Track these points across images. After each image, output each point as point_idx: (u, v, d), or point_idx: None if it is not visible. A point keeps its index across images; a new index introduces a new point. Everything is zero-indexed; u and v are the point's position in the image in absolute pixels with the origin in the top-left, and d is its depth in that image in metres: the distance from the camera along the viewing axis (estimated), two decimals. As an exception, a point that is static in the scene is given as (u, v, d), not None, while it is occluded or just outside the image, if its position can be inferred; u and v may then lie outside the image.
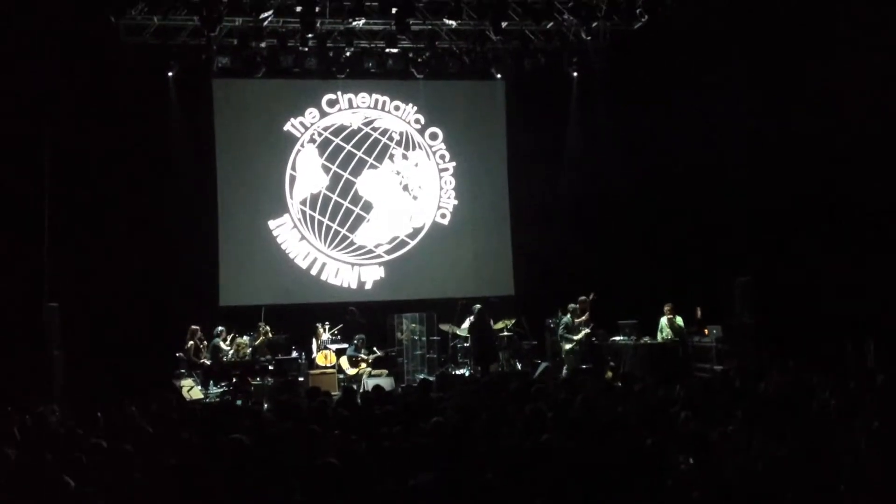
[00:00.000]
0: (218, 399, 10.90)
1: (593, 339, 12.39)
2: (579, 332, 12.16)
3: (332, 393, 8.63)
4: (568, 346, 12.14)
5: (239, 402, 9.67)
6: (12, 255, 11.20)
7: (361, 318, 13.09)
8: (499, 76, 14.60)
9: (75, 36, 11.68)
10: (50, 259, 11.71)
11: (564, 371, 11.81)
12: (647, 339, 12.36)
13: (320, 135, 14.26)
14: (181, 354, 12.10)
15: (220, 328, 12.36)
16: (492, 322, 12.44)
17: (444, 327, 13.11)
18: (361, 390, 10.21)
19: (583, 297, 12.36)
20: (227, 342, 12.24)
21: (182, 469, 4.37)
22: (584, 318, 12.27)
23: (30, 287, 11.42)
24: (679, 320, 12.27)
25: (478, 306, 12.21)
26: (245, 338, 12.29)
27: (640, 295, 12.74)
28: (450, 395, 6.76)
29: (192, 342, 12.16)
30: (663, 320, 12.30)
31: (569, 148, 14.58)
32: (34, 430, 6.36)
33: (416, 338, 13.17)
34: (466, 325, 12.53)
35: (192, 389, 11.31)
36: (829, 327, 10.38)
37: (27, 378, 10.34)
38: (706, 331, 12.42)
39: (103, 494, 4.32)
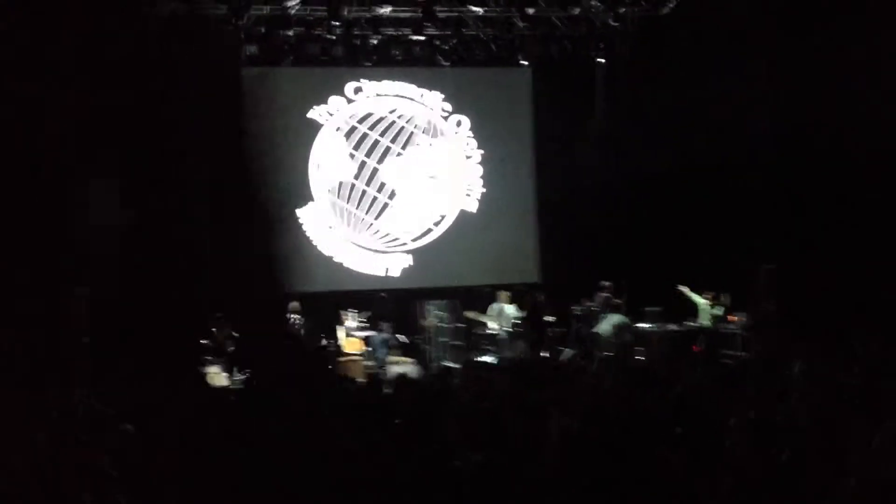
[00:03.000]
0: (243, 386, 10.93)
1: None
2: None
3: (358, 380, 8.66)
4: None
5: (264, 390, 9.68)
6: (39, 239, 11.29)
7: (389, 304, 13.06)
8: (525, 63, 14.51)
9: (104, 23, 11.74)
10: (77, 244, 11.82)
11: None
12: (673, 326, 12.33)
13: (346, 123, 14.25)
14: (207, 342, 12.15)
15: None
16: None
17: (470, 315, 13.09)
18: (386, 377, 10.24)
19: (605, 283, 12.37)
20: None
21: (207, 455, 4.40)
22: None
23: (56, 272, 11.51)
24: (717, 308, 12.23)
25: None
26: None
27: (666, 282, 12.66)
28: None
29: (217, 329, 12.22)
30: (701, 301, 12.26)
31: (595, 135, 14.47)
32: (62, 416, 6.39)
33: (441, 325, 13.17)
34: (511, 311, 12.46)
35: (217, 376, 11.38)
36: (855, 316, 10.27)
37: (54, 364, 10.44)
38: (732, 318, 12.36)
39: (131, 479, 4.35)
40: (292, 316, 12.34)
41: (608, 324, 12.09)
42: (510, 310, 12.86)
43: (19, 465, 4.56)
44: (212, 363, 11.80)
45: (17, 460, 4.63)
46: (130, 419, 5.83)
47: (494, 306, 12.94)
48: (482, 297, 13.14)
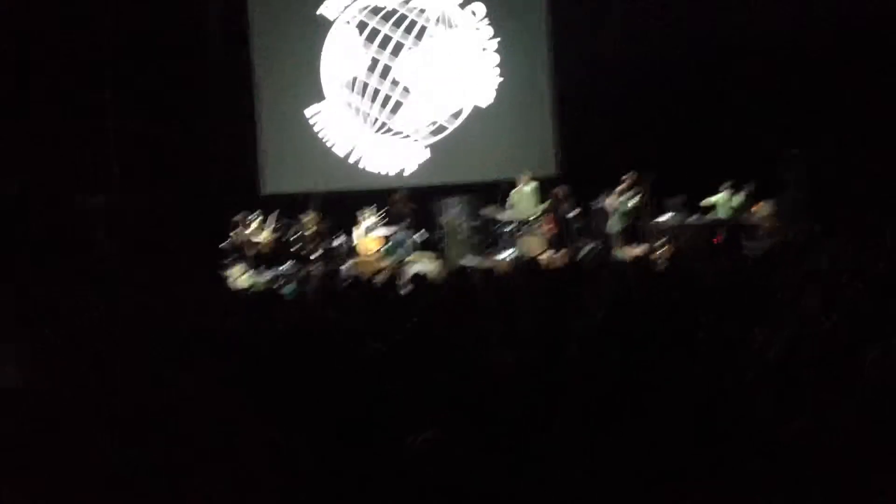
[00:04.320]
0: (265, 287, 10.98)
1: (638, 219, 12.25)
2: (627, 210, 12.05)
3: (375, 280, 8.61)
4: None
5: (286, 290, 9.71)
6: (54, 146, 11.26)
7: (406, 206, 12.93)
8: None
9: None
10: (89, 150, 11.79)
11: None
12: (695, 217, 12.19)
13: (357, 17, 13.91)
14: (227, 243, 12.17)
15: (271, 215, 12.37)
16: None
17: (486, 211, 12.98)
18: (404, 278, 10.20)
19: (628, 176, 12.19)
20: (273, 230, 12.28)
21: (225, 357, 4.38)
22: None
23: (70, 181, 11.51)
24: (736, 199, 12.05)
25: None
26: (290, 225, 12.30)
27: (690, 171, 12.46)
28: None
29: (238, 230, 12.21)
30: (717, 197, 12.10)
31: (617, 16, 14.00)
32: (86, 325, 6.39)
33: (459, 222, 13.08)
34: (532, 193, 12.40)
35: (240, 277, 11.43)
36: (886, 204, 10.10)
37: (75, 276, 10.49)
38: (758, 206, 12.18)
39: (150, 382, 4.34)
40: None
41: (624, 217, 11.98)
42: (531, 192, 12.73)
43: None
44: (233, 264, 11.86)
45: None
46: (154, 327, 5.86)
47: (514, 195, 12.80)
48: (500, 192, 12.97)
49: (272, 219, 12.46)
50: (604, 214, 12.51)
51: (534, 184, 12.79)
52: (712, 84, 12.92)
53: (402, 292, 7.14)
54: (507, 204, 12.76)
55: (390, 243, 12.54)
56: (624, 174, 12.37)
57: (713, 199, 12.26)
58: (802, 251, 7.57)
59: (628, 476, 3.05)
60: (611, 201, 12.38)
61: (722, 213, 12.08)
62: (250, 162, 13.68)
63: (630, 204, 12.16)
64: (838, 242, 7.94)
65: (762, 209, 11.98)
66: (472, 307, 5.66)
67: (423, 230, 12.85)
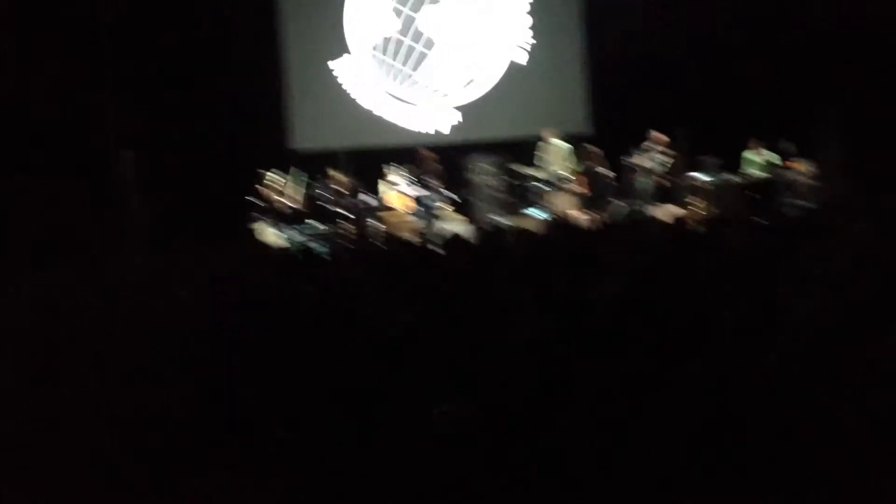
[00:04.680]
0: (294, 244, 10.98)
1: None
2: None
3: (405, 238, 8.57)
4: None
5: (316, 248, 9.70)
6: (82, 102, 11.28)
7: (435, 164, 12.82)
8: None
9: None
10: (116, 104, 11.80)
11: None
12: (731, 177, 12.03)
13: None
14: (255, 199, 12.14)
15: (296, 171, 12.33)
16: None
17: (518, 169, 12.87)
18: (433, 237, 10.15)
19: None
20: (304, 185, 12.24)
21: (256, 317, 4.36)
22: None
23: (100, 133, 11.54)
24: (767, 155, 11.86)
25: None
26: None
27: (725, 129, 12.28)
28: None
29: (266, 186, 12.19)
30: (748, 155, 11.91)
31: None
32: (114, 280, 6.43)
33: (491, 180, 13.00)
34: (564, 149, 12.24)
35: (268, 234, 11.43)
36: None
37: (104, 228, 10.56)
38: (797, 165, 11.99)
39: (177, 342, 4.33)
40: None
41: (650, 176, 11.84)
42: (563, 150, 12.56)
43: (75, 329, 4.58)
44: (261, 220, 11.85)
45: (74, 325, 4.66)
46: (184, 283, 5.85)
47: (543, 151, 12.63)
48: (532, 150, 12.85)
49: (298, 175, 12.39)
50: (637, 172, 12.38)
51: (565, 144, 12.63)
52: (749, 42, 12.70)
53: (434, 252, 7.10)
54: (537, 160, 12.64)
55: (418, 202, 12.47)
56: (653, 132, 12.21)
57: (745, 155, 12.11)
58: (842, 213, 7.40)
59: (651, 452, 3.00)
60: (638, 159, 12.24)
61: (753, 170, 11.90)
62: (279, 118, 13.61)
63: (653, 162, 11.99)
64: (877, 204, 7.76)
65: (799, 167, 11.80)
66: (504, 269, 5.59)
67: (450, 189, 12.77)
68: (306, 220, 11.86)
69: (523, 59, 14.04)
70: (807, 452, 2.89)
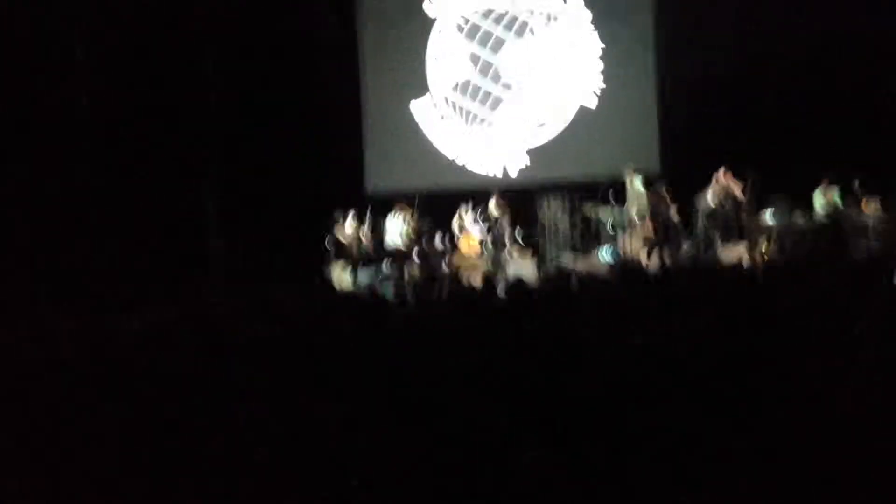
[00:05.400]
0: (361, 286, 11.15)
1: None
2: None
3: (474, 279, 8.71)
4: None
5: (388, 292, 9.88)
6: (164, 140, 11.69)
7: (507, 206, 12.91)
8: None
9: None
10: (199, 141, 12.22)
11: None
12: (799, 215, 11.90)
13: (463, 18, 14.02)
14: (328, 241, 12.39)
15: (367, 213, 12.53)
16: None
17: (588, 208, 12.93)
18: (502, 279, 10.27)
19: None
20: (371, 228, 12.42)
21: (325, 362, 4.50)
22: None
23: (183, 171, 11.93)
24: (835, 195, 11.72)
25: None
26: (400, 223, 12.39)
27: (795, 166, 12.17)
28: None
29: (337, 229, 12.43)
30: (817, 194, 11.80)
31: (725, 22, 13.74)
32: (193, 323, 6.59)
33: (559, 222, 13.09)
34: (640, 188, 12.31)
35: (341, 277, 11.64)
36: None
37: (183, 266, 10.90)
38: (864, 204, 11.80)
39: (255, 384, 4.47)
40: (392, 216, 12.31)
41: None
42: (638, 189, 12.59)
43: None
44: (334, 263, 12.07)
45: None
46: (258, 322, 6.06)
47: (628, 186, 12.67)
48: (602, 191, 12.89)
49: (369, 217, 12.59)
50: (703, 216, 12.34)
51: (640, 178, 12.65)
52: (818, 87, 12.63)
53: (500, 296, 7.22)
54: (611, 200, 12.62)
55: (488, 244, 12.60)
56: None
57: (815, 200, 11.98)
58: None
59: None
60: (707, 201, 12.18)
61: (820, 210, 11.76)
62: (356, 159, 13.90)
63: (723, 204, 11.93)
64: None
65: (869, 207, 11.61)
66: (569, 313, 5.67)
67: (520, 228, 12.87)
68: (377, 262, 12.05)
69: (593, 103, 14.13)
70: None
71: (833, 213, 11.63)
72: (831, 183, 11.88)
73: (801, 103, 12.84)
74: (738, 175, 12.01)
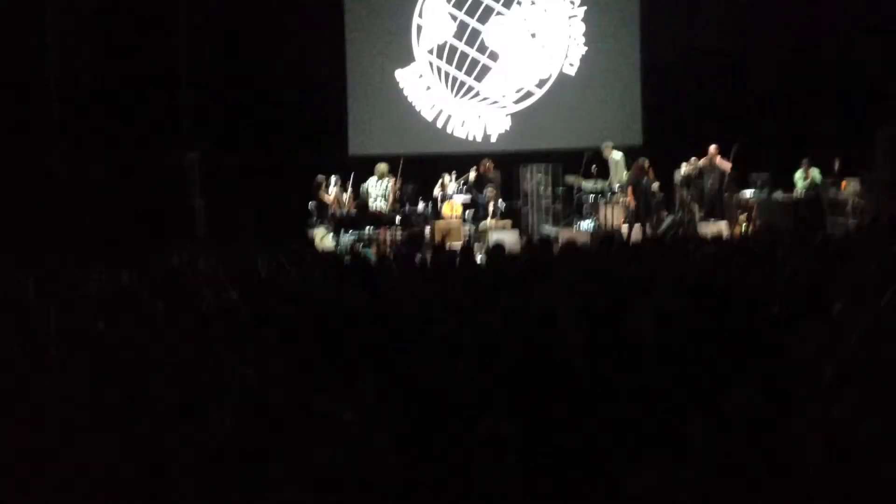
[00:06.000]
0: (348, 250, 11.15)
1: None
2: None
3: (455, 246, 8.75)
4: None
5: (369, 254, 9.89)
6: (150, 104, 11.64)
7: (494, 173, 12.93)
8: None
9: None
10: (187, 106, 12.16)
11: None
12: (780, 193, 12.01)
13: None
14: (312, 203, 12.39)
15: (349, 178, 12.52)
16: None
17: (570, 179, 12.98)
18: (483, 246, 10.31)
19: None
20: (353, 191, 12.41)
21: (308, 322, 4.53)
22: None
23: (169, 135, 11.89)
24: (816, 174, 11.83)
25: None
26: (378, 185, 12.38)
27: (776, 146, 12.30)
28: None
29: (320, 191, 12.43)
30: (798, 174, 11.91)
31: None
32: (178, 280, 6.57)
33: (542, 189, 13.13)
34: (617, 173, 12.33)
35: (323, 239, 11.66)
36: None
37: (169, 226, 10.88)
38: (843, 183, 11.93)
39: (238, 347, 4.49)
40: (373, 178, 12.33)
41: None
42: (617, 160, 12.65)
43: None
44: (317, 225, 12.08)
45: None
46: (239, 285, 6.08)
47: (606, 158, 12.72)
48: (584, 160, 12.94)
49: (350, 182, 12.56)
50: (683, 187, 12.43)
51: (620, 154, 12.72)
52: (800, 63, 12.73)
53: (480, 262, 7.27)
54: (590, 171, 12.69)
55: (466, 209, 12.64)
56: (706, 146, 12.25)
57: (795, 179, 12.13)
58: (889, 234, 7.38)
59: (698, 467, 3.08)
60: (687, 172, 12.28)
61: (800, 188, 11.90)
62: (340, 125, 13.88)
63: (703, 176, 12.05)
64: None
65: (848, 187, 11.74)
66: (549, 280, 5.71)
67: (502, 200, 12.91)
68: (358, 225, 12.03)
69: (575, 69, 14.14)
70: (861, 467, 2.96)
71: (813, 191, 11.75)
72: (812, 163, 12.00)
73: (783, 84, 12.95)
74: (720, 148, 12.11)
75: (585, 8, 14.11)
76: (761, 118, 12.67)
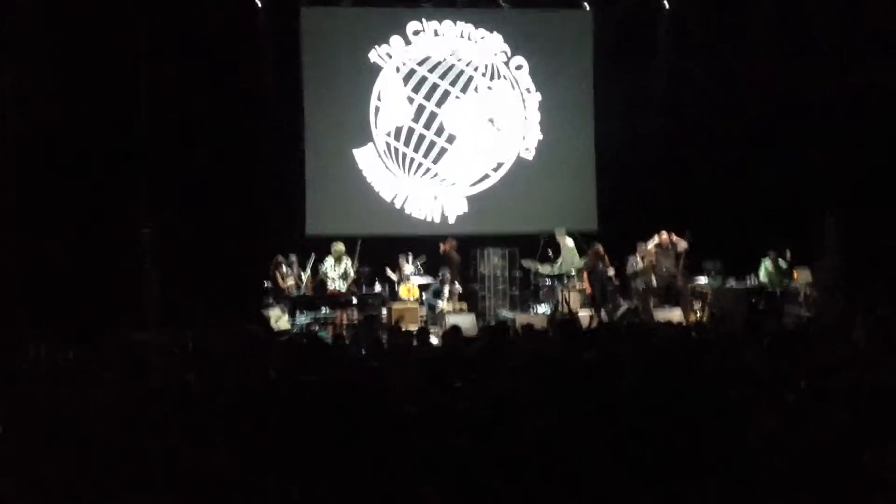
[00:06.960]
0: (304, 331, 11.08)
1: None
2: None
3: (411, 328, 8.72)
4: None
5: (325, 335, 9.83)
6: (108, 181, 11.62)
7: (455, 254, 12.98)
8: (587, 6, 14.27)
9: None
10: (144, 183, 12.13)
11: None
12: (733, 281, 12.18)
13: (405, 65, 14.17)
14: (268, 283, 12.30)
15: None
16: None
17: (526, 263, 13.06)
18: (440, 329, 10.29)
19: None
20: (311, 273, 12.35)
21: (264, 404, 4.47)
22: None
23: (127, 213, 11.85)
24: (782, 263, 12.12)
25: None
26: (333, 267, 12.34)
27: (726, 236, 12.52)
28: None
29: (277, 271, 12.35)
30: (766, 263, 12.18)
31: (658, 87, 14.16)
32: (131, 357, 6.49)
33: (499, 273, 13.19)
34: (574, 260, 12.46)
35: (279, 320, 11.54)
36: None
37: (122, 301, 10.75)
38: (796, 274, 12.16)
39: (188, 425, 4.42)
40: (331, 259, 12.30)
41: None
42: (570, 246, 12.78)
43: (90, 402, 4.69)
44: (273, 306, 11.95)
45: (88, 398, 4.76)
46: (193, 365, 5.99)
47: (559, 244, 12.85)
48: (540, 245, 13.05)
49: (308, 261, 12.50)
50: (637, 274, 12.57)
51: (571, 240, 12.86)
52: (749, 150, 13.09)
53: (436, 343, 7.24)
54: (546, 256, 12.80)
55: (428, 292, 12.64)
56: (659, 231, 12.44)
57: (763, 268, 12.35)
58: (837, 329, 7.51)
59: None
60: (642, 259, 12.42)
61: (770, 280, 12.11)
62: (298, 204, 13.87)
63: (657, 263, 12.19)
64: (874, 316, 7.87)
65: (800, 276, 11.97)
66: (507, 365, 5.71)
67: (458, 280, 12.93)
68: (314, 306, 11.96)
69: (532, 154, 14.37)
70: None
71: (776, 281, 11.99)
72: (764, 252, 12.25)
73: (734, 170, 13.23)
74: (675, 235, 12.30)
75: (540, 97, 14.39)
76: (711, 205, 12.90)
